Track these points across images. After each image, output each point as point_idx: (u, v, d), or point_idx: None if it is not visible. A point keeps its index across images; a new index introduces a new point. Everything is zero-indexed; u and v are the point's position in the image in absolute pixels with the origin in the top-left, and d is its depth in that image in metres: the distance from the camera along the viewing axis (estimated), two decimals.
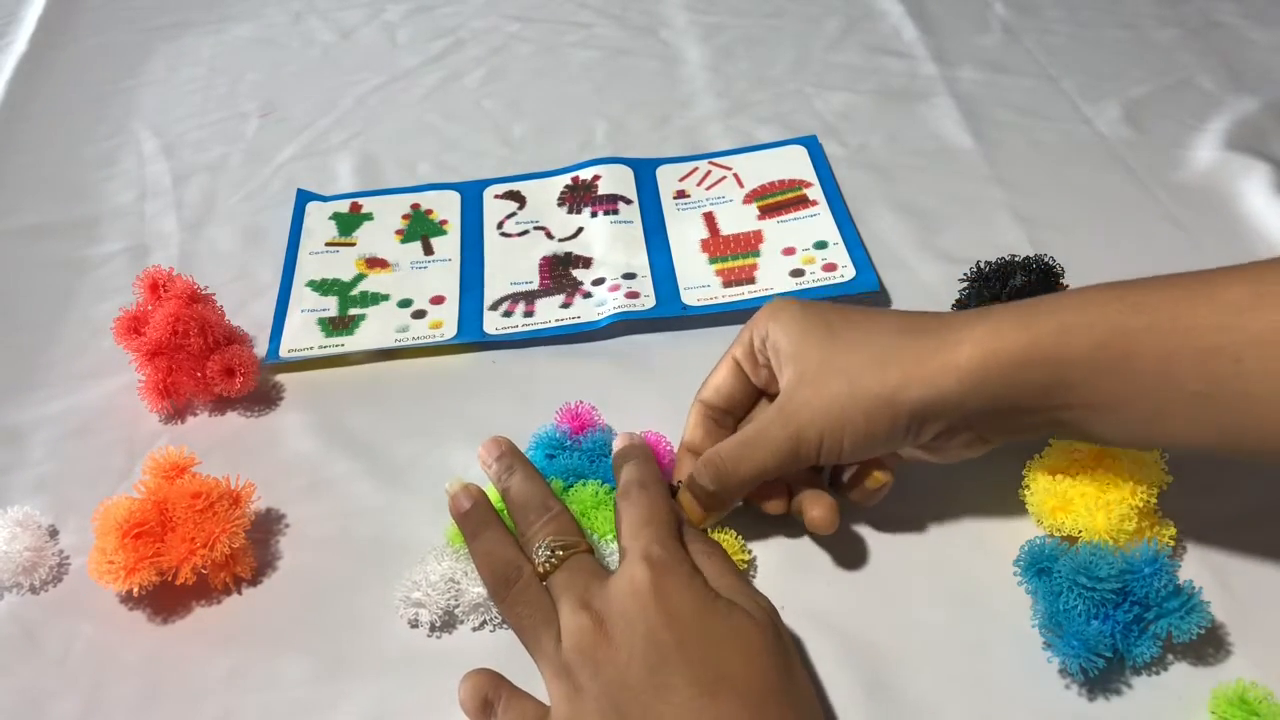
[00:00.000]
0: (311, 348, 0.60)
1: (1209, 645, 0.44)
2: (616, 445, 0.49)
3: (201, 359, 0.56)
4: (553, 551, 0.43)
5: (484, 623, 0.46)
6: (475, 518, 0.46)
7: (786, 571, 0.48)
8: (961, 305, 0.56)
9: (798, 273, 0.62)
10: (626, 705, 0.38)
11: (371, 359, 0.60)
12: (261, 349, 0.61)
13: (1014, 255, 0.55)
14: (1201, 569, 0.46)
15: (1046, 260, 0.54)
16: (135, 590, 0.46)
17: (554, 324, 0.60)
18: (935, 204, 0.68)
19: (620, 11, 0.89)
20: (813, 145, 0.73)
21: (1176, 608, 0.42)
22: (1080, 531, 0.45)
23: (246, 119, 0.80)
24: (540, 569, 0.43)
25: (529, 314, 0.61)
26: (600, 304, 0.61)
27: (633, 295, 0.61)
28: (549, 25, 0.88)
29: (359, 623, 0.47)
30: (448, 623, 0.46)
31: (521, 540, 0.45)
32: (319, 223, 0.68)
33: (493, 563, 0.44)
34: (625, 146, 0.74)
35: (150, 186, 0.74)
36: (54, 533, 0.52)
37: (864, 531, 0.49)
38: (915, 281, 0.62)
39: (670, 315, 0.60)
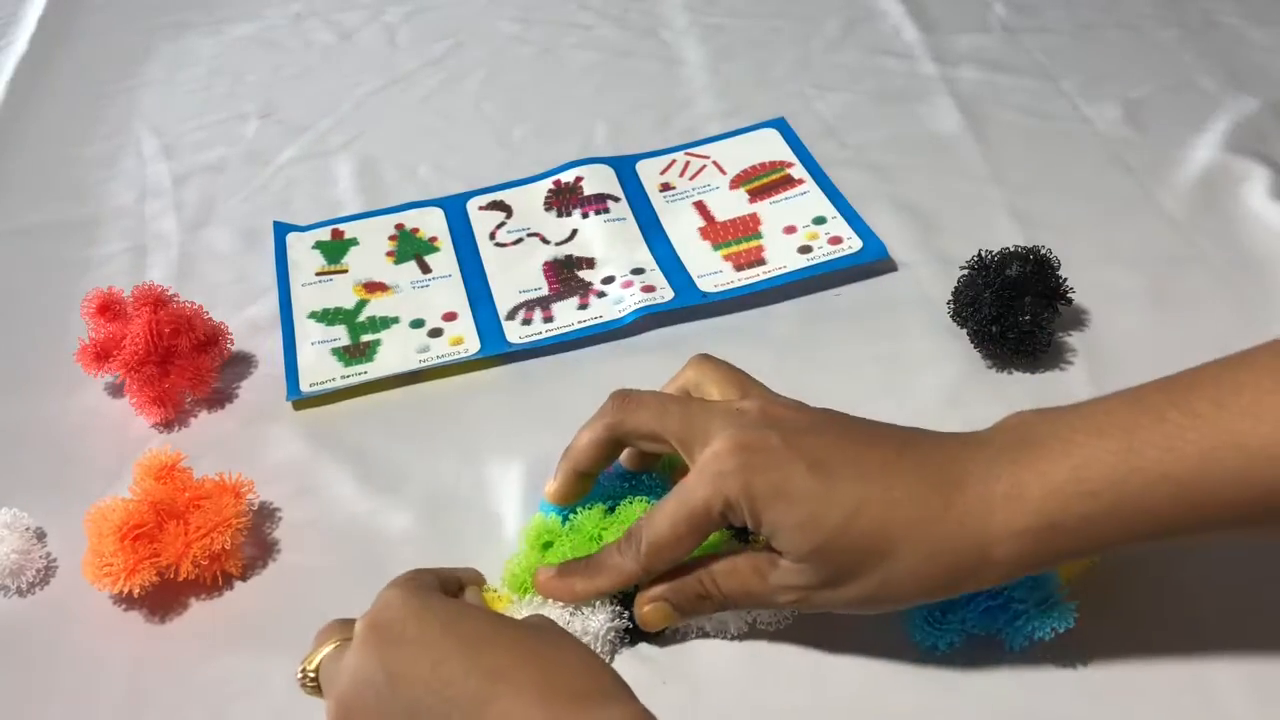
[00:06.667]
0: (334, 379, 0.58)
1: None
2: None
3: (194, 356, 0.56)
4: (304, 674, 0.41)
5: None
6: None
7: None
8: (958, 293, 0.57)
9: (805, 249, 0.63)
10: None
11: (399, 383, 0.58)
12: (262, 348, 0.61)
13: (1016, 246, 0.57)
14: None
15: (1043, 252, 0.57)
16: (135, 591, 0.46)
17: (577, 326, 0.60)
18: (935, 204, 0.67)
19: (620, 13, 0.89)
20: (783, 126, 0.73)
21: (1036, 605, 0.42)
22: None
23: (246, 120, 0.80)
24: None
25: (548, 319, 0.61)
26: (618, 301, 0.61)
27: (649, 289, 0.61)
28: (549, 27, 0.88)
29: None
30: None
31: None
32: (303, 254, 0.67)
33: None
34: (626, 148, 0.74)
35: (150, 187, 0.74)
36: (41, 535, 0.51)
37: None
38: (915, 281, 0.62)
39: (691, 304, 0.61)
